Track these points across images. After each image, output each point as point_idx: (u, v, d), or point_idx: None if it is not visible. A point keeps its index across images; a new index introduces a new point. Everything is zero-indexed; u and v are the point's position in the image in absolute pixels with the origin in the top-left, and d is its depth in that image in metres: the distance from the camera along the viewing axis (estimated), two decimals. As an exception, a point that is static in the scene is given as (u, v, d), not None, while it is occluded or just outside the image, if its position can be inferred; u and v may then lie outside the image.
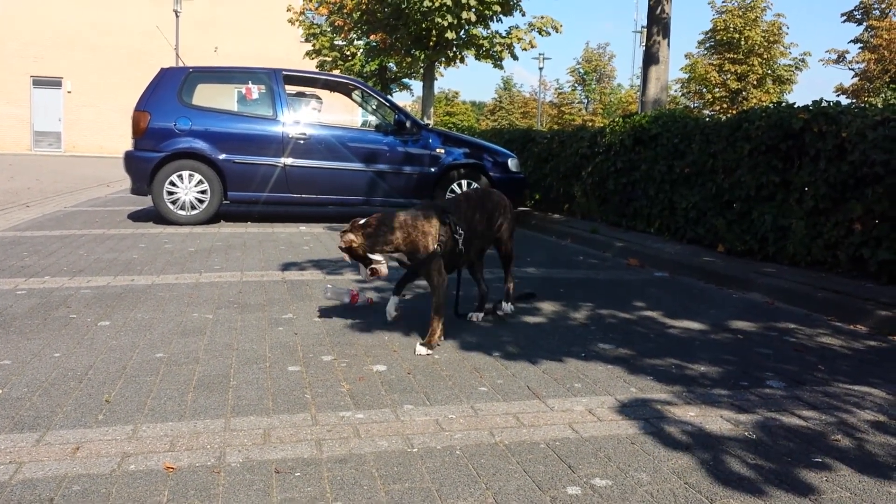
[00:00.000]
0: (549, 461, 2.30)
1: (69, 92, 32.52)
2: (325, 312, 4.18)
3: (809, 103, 5.87)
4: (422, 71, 17.94)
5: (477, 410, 2.72)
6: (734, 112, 8.48)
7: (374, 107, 9.85)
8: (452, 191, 8.74)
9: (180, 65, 9.99)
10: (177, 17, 27.90)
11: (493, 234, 4.10)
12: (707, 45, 35.60)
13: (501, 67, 17.39)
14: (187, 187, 8.03)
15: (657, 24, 10.12)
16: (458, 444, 2.40)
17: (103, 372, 3.01)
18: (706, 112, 31.82)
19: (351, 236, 3.50)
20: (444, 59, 17.07)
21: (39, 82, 32.35)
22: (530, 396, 2.89)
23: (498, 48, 16.58)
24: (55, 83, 32.44)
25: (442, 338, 3.62)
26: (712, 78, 34.09)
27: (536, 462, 2.29)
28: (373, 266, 3.55)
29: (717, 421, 2.69)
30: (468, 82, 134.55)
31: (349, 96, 10.29)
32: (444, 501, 2.03)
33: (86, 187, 13.16)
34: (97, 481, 2.08)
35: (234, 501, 1.99)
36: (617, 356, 3.50)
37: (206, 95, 8.53)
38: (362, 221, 3.55)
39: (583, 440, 2.47)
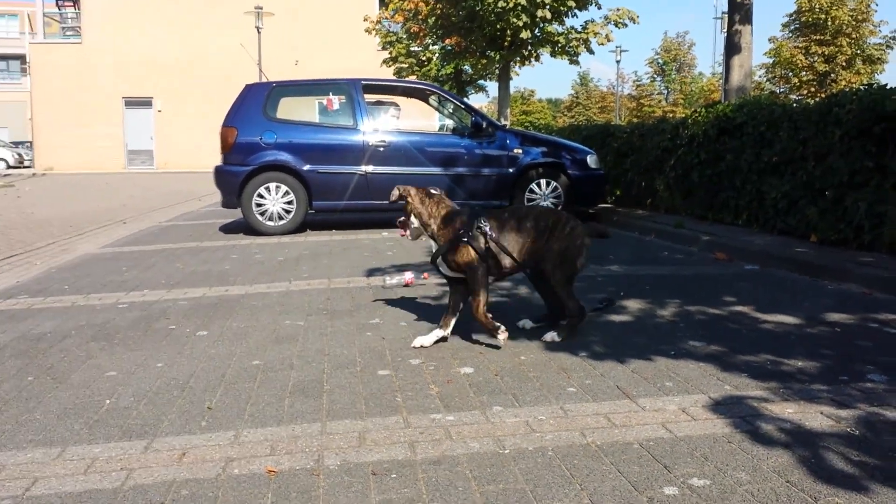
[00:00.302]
0: (643, 461, 2.28)
1: (159, 111, 33.96)
2: (411, 317, 4.25)
3: (905, 83, 5.61)
4: (497, 72, 17.94)
5: (567, 411, 2.72)
6: (823, 96, 8.16)
7: (451, 110, 9.92)
8: (532, 191, 8.71)
9: (264, 80, 10.27)
10: (259, 33, 28.73)
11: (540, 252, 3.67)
12: (792, 27, 34.29)
13: (578, 63, 17.16)
14: (274, 198, 8.27)
15: (738, 10, 9.83)
16: (549, 445, 2.41)
17: (204, 380, 3.14)
18: (793, 97, 30.67)
19: (412, 190, 3.71)
20: (519, 59, 17.01)
21: (131, 103, 33.89)
22: (620, 396, 2.87)
23: (574, 44, 16.39)
24: (146, 103, 33.93)
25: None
26: (798, 61, 32.80)
27: (630, 462, 2.28)
28: (407, 223, 3.75)
29: (817, 417, 2.61)
30: (544, 80, 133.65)
31: (426, 101, 10.37)
32: (540, 502, 2.04)
33: (178, 202, 13.71)
34: (203, 485, 2.18)
35: (334, 503, 2.05)
36: (708, 353, 3.44)
37: (290, 108, 8.77)
38: (433, 190, 3.74)
39: (677, 440, 2.44)
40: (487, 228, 3.58)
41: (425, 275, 4.60)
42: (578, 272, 3.75)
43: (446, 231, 3.63)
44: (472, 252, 3.55)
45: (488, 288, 3.62)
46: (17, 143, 40.93)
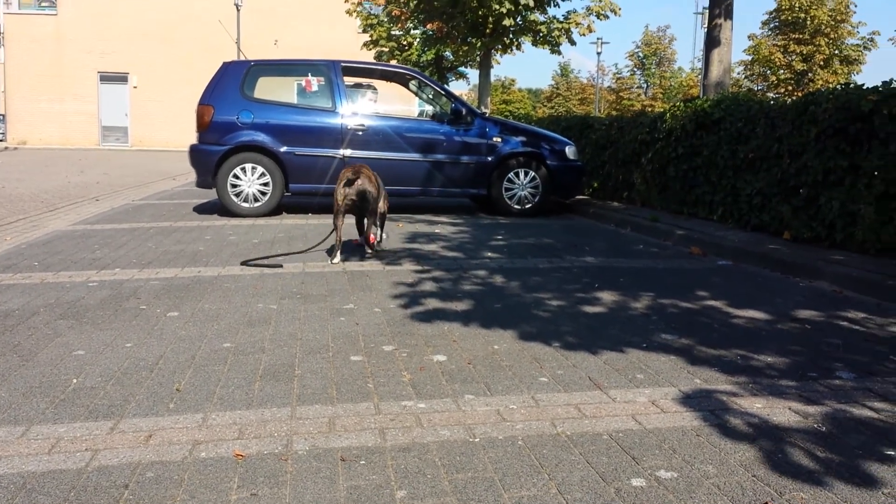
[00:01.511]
0: (612, 452, 2.29)
1: (135, 87, 33.45)
2: (385, 303, 4.23)
3: (879, 84, 5.66)
4: (478, 59, 17.87)
5: (538, 401, 2.72)
6: (800, 95, 8.23)
7: (431, 96, 9.87)
8: (510, 180, 8.72)
9: (242, 58, 10.15)
10: (237, 10, 28.39)
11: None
12: (771, 25, 34.56)
13: (559, 53, 17.19)
14: (250, 180, 8.19)
15: (719, 4, 9.87)
16: (519, 435, 2.42)
17: (173, 361, 3.11)
18: (770, 95, 30.94)
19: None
20: (500, 47, 16.95)
21: (106, 78, 33.35)
22: (592, 387, 2.88)
23: (556, 33, 16.38)
24: (121, 79, 33.40)
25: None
26: (777, 59, 33.08)
27: (599, 453, 2.29)
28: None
29: (785, 413, 2.64)
30: (525, 69, 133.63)
31: (406, 86, 10.31)
32: (508, 491, 2.04)
33: (153, 181, 13.54)
34: (170, 468, 2.15)
35: (302, 488, 2.04)
36: (680, 346, 3.46)
37: (268, 88, 8.67)
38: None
39: (646, 432, 2.46)
40: None
41: (355, 241, 5.97)
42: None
43: None
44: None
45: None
46: (-12, 116, 40.16)
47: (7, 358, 3.12)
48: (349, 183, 5.43)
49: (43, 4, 35.49)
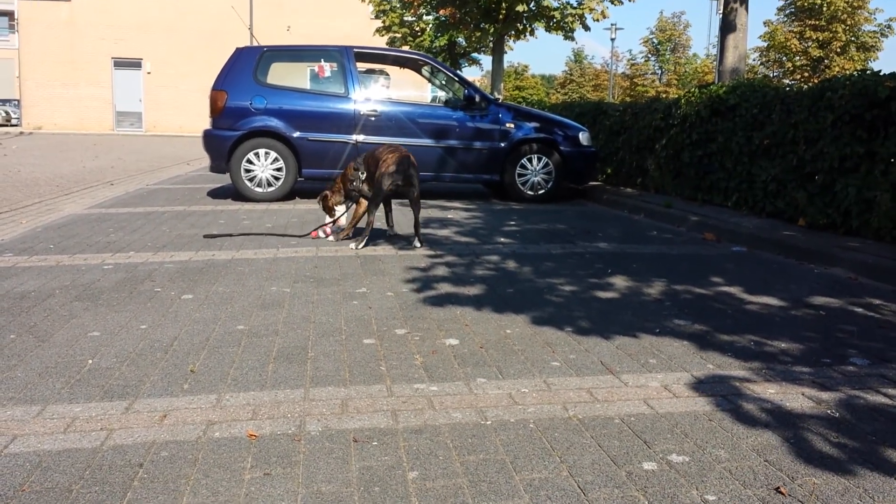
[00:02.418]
0: (623, 436, 2.30)
1: (149, 73, 33.57)
2: (398, 287, 4.24)
3: (897, 70, 5.60)
4: (491, 45, 17.79)
5: (550, 385, 2.73)
6: (816, 81, 8.15)
7: (444, 82, 9.84)
8: (523, 166, 8.69)
9: (255, 44, 10.14)
10: (250, -4, 28.38)
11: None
12: (787, 11, 34.23)
13: (573, 39, 17.08)
14: (263, 165, 8.20)
15: (735, -10, 9.78)
16: (531, 418, 2.42)
17: (188, 343, 3.13)
18: (786, 81, 30.67)
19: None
20: (513, 33, 16.88)
21: (120, 63, 33.47)
22: (604, 372, 2.88)
23: (569, 19, 16.29)
24: (135, 64, 33.53)
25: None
26: (793, 46, 32.78)
27: (611, 437, 2.29)
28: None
29: (798, 398, 2.63)
30: (538, 55, 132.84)
31: (419, 72, 10.27)
32: (519, 473, 2.05)
33: (167, 165, 13.60)
34: (184, 447, 2.17)
35: (315, 468, 2.05)
36: (693, 332, 3.45)
37: (281, 74, 8.67)
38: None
39: (658, 416, 2.46)
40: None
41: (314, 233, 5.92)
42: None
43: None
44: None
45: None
46: (4, 101, 40.40)
47: (23, 339, 3.15)
48: (399, 169, 5.31)
49: (57, -10, 35.56)
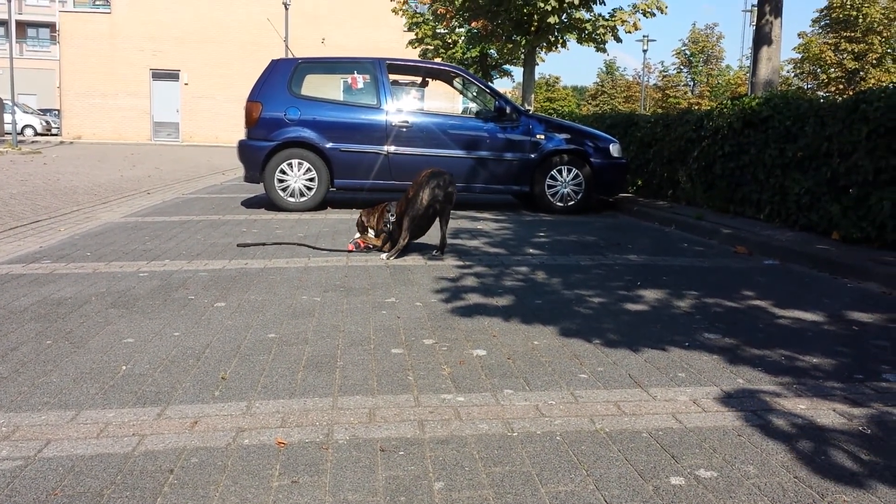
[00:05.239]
0: (651, 450, 2.28)
1: (186, 84, 34.14)
2: (427, 297, 4.26)
3: (937, 82, 5.51)
4: (522, 57, 17.82)
5: (577, 397, 2.72)
6: (851, 93, 8.04)
7: (475, 94, 9.88)
8: (553, 177, 8.68)
9: (290, 56, 10.27)
10: (286, 9, 28.73)
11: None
12: (822, 23, 33.80)
13: (604, 51, 17.07)
14: (297, 175, 8.30)
15: (769, 2, 9.69)
16: (558, 430, 2.42)
17: (219, 350, 3.18)
18: (821, 94, 30.25)
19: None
20: (545, 44, 16.89)
21: (158, 75, 34.09)
22: (632, 385, 2.87)
23: (601, 31, 16.27)
24: (173, 76, 34.12)
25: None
26: (827, 58, 32.35)
27: (638, 451, 2.28)
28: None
29: (829, 414, 2.60)
30: (569, 67, 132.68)
31: (450, 84, 10.34)
32: (545, 486, 2.05)
33: (202, 175, 13.80)
34: (214, 454, 2.21)
35: (342, 477, 2.07)
36: (723, 346, 3.42)
37: (314, 85, 8.78)
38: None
39: (687, 431, 2.44)
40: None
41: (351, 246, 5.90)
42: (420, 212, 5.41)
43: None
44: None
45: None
46: (44, 111, 41.35)
47: (59, 344, 3.22)
48: (441, 187, 5.41)
49: (97, 3, 36.41)
